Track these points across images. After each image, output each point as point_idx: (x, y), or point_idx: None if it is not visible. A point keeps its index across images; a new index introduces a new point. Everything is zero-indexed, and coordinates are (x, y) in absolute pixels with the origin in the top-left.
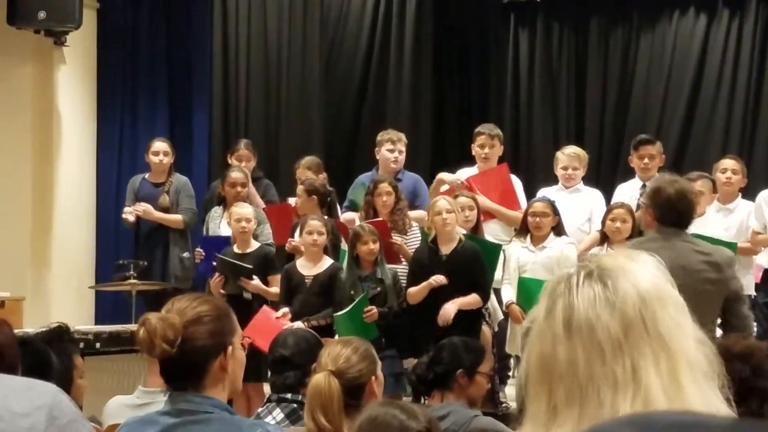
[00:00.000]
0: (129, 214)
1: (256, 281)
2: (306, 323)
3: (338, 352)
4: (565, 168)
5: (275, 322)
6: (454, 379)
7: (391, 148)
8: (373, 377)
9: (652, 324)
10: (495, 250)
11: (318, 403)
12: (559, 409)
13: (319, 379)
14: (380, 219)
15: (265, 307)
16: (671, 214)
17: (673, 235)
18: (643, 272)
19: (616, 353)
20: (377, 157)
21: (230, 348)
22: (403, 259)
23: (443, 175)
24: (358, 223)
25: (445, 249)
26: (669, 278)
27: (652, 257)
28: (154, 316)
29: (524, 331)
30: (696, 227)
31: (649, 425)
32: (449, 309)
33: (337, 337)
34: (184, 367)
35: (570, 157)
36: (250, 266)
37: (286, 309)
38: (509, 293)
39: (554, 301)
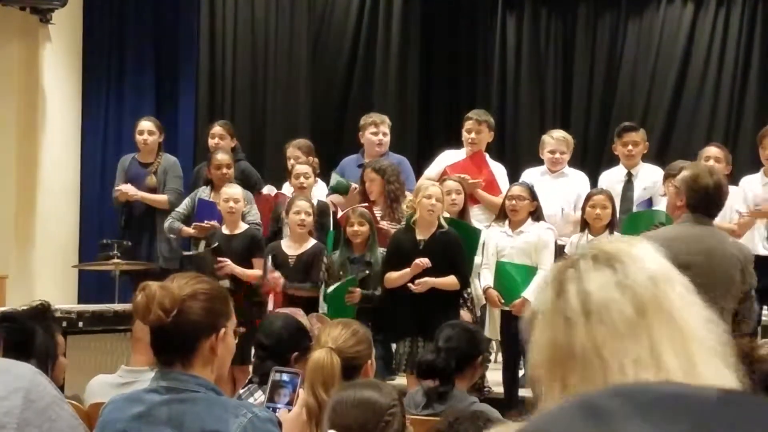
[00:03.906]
0: (119, 194)
1: (229, 264)
2: (289, 291)
3: (339, 332)
4: (552, 152)
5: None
6: (471, 365)
7: (375, 131)
8: (369, 362)
9: (663, 304)
10: (476, 234)
11: (320, 379)
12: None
13: (321, 354)
14: (366, 204)
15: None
16: (705, 203)
17: (705, 222)
18: (648, 256)
19: (634, 333)
20: (362, 141)
21: (222, 331)
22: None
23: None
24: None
25: (423, 234)
26: (670, 262)
27: (650, 243)
28: (155, 284)
29: (528, 321)
30: None
31: (637, 395)
32: (427, 281)
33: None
34: (176, 340)
35: (558, 141)
36: (210, 248)
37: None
38: (487, 278)
39: (563, 287)
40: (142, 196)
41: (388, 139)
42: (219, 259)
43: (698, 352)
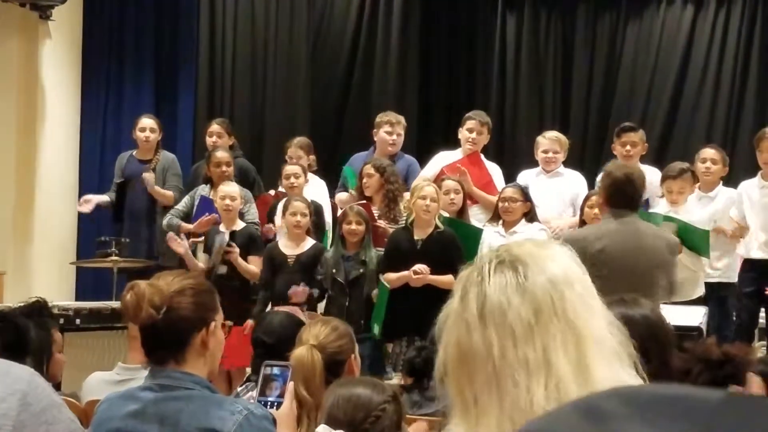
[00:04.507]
0: (84, 204)
1: (236, 251)
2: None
3: (319, 329)
4: (545, 152)
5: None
6: None
7: (390, 131)
8: (352, 356)
9: (560, 306)
10: (476, 234)
11: (300, 376)
12: (479, 396)
13: (302, 352)
14: (364, 201)
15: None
16: (619, 196)
17: (625, 216)
18: (553, 258)
19: (527, 336)
20: (375, 138)
21: (212, 324)
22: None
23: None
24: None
25: (420, 235)
26: (577, 260)
27: (562, 246)
28: (143, 282)
29: (439, 323)
30: (679, 216)
31: (636, 397)
32: (425, 274)
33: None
34: (167, 337)
35: (551, 141)
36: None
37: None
38: None
39: (467, 289)
40: (157, 190)
41: (401, 139)
42: (230, 243)
43: (593, 354)
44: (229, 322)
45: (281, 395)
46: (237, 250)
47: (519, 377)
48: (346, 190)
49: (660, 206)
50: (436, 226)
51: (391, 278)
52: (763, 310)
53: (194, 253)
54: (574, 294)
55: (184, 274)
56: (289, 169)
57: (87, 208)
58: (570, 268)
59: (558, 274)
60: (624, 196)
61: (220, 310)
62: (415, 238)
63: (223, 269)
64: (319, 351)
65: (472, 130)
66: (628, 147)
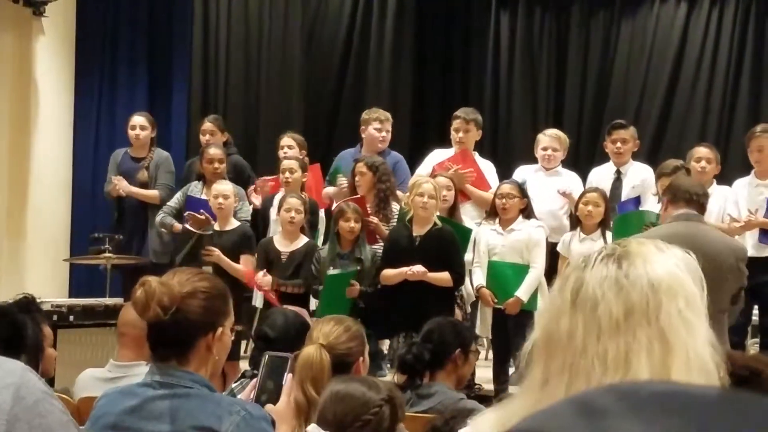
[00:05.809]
0: (112, 187)
1: (217, 253)
2: (280, 288)
3: (330, 328)
4: (545, 149)
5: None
6: (450, 359)
7: (379, 128)
8: (361, 358)
9: (654, 314)
10: (466, 233)
11: (308, 375)
12: (549, 380)
13: (310, 351)
14: (358, 196)
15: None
16: (684, 198)
17: (693, 219)
18: (663, 262)
19: (612, 333)
20: (363, 135)
21: (220, 330)
22: (379, 239)
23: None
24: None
25: (419, 231)
26: (696, 274)
27: (683, 252)
28: (155, 280)
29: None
30: None
31: (631, 393)
32: (420, 271)
33: (315, 303)
34: (172, 337)
35: (551, 138)
36: (209, 234)
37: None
38: (479, 276)
39: (569, 274)
40: (133, 191)
41: (389, 136)
42: (208, 247)
43: (679, 369)
44: (238, 327)
45: (280, 386)
46: (216, 251)
47: (594, 370)
48: (332, 185)
49: (652, 204)
50: (435, 223)
51: (389, 275)
52: (755, 306)
53: None
54: (674, 306)
55: (201, 274)
56: (285, 164)
57: (124, 184)
58: (679, 279)
59: (663, 281)
60: (688, 198)
61: (231, 314)
62: (414, 234)
63: (208, 269)
64: (327, 351)
65: (458, 129)
66: (618, 144)
